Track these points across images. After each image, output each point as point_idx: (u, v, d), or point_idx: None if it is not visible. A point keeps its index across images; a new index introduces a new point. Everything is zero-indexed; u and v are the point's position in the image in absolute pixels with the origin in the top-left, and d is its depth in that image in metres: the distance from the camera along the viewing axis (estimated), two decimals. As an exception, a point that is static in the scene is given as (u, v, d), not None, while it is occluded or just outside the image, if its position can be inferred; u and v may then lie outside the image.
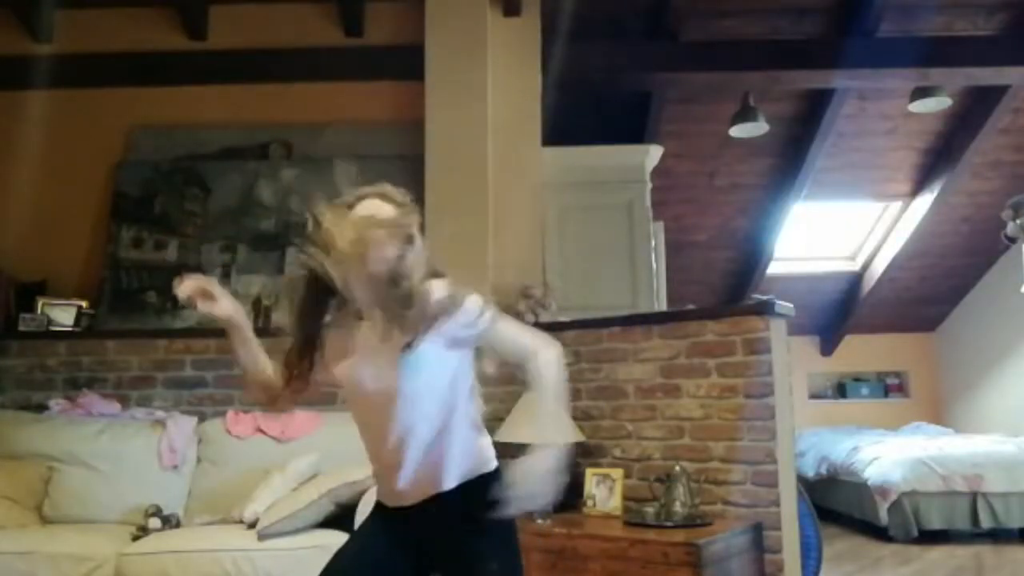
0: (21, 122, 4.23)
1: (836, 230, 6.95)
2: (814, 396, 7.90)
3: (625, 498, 3.21)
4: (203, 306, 1.61)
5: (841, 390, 8.00)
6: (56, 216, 4.18)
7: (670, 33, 4.68)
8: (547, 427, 1.69)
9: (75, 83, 4.29)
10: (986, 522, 5.29)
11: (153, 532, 3.04)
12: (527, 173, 4.16)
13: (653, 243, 4.53)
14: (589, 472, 3.28)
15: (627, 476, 3.27)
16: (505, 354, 1.69)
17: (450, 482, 1.63)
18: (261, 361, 1.73)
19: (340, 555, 1.73)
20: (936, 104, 5.14)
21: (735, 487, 3.07)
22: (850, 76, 4.77)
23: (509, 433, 3.12)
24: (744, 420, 3.07)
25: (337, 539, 2.81)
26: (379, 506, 1.76)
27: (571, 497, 3.29)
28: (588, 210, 4.39)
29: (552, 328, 3.06)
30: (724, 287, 7.13)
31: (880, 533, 5.46)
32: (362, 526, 1.84)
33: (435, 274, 1.61)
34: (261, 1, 4.37)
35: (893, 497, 5.35)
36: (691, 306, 3.67)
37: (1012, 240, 5.82)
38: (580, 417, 3.45)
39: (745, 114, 5.10)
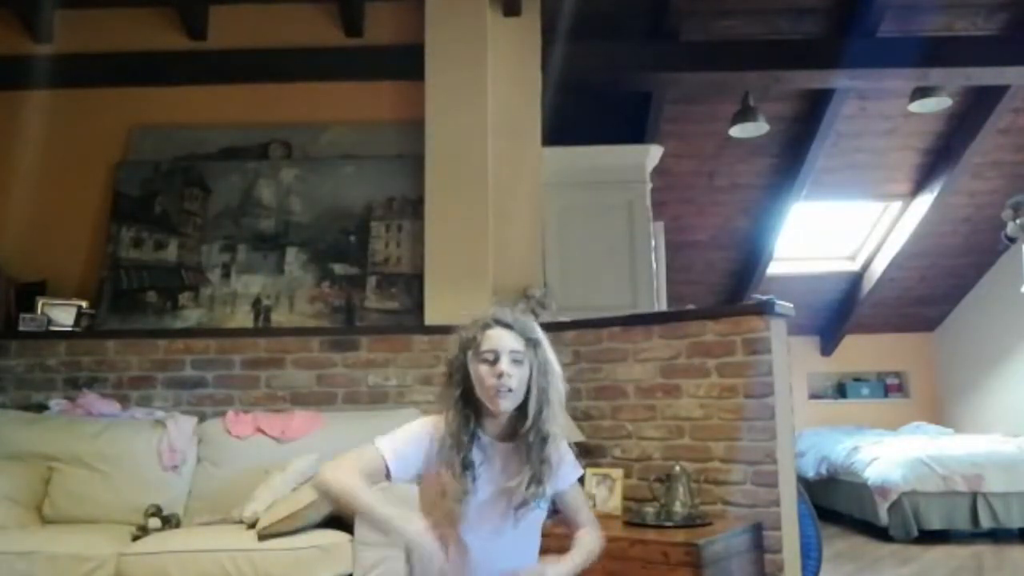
0: (21, 122, 4.23)
1: (836, 230, 6.95)
2: (814, 396, 7.90)
3: (625, 498, 3.21)
4: None
5: (841, 390, 8.00)
6: (56, 216, 4.18)
7: (670, 33, 4.68)
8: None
9: (75, 83, 4.29)
10: (986, 522, 5.29)
11: (153, 532, 3.04)
12: (527, 173, 4.16)
13: (653, 243, 4.53)
14: (589, 472, 3.28)
15: (627, 476, 3.27)
16: (573, 510, 1.90)
17: None
18: None
19: None
20: (936, 104, 5.13)
21: (735, 487, 3.06)
22: (850, 76, 4.76)
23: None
24: (744, 420, 3.07)
25: (337, 539, 2.82)
26: None
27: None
28: (588, 210, 4.39)
29: (552, 328, 3.05)
30: (724, 287, 7.13)
31: (880, 533, 5.46)
32: None
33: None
34: (261, 1, 4.37)
35: (893, 497, 5.35)
36: (691, 306, 3.67)
37: (1012, 240, 5.83)
38: (580, 417, 3.45)
39: (745, 114, 5.09)
